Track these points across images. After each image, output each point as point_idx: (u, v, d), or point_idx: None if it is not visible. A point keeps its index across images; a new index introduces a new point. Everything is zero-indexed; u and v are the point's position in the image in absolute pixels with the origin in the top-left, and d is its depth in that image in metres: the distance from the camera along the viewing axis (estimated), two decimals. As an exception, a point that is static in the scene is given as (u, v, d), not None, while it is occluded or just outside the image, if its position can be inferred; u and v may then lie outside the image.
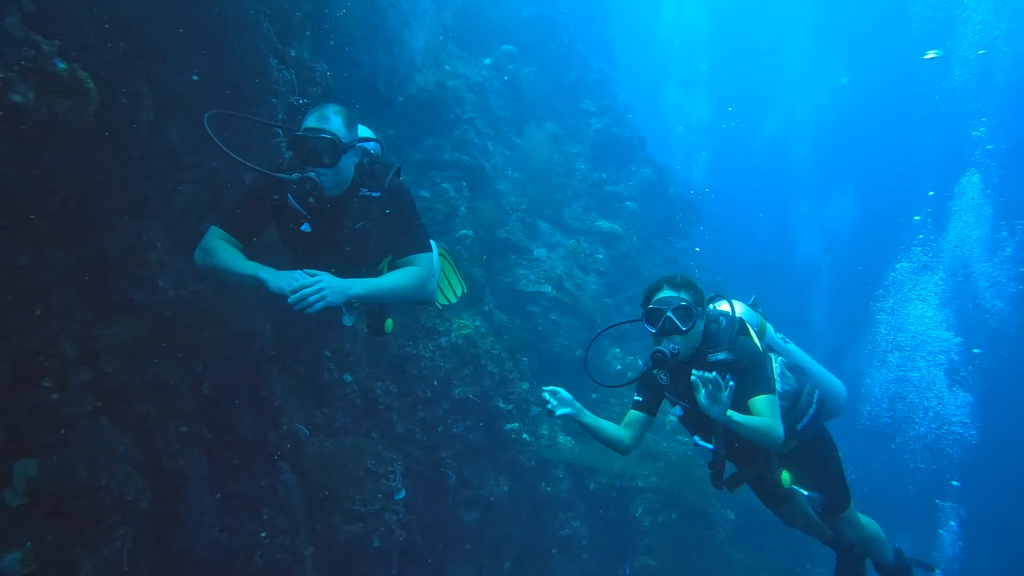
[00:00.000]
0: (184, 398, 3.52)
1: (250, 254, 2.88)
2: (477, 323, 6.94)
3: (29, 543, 2.55)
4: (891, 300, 12.86)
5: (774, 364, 3.02)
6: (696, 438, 3.05)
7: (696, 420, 2.98)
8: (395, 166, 3.07)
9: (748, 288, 3.44)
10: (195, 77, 3.51)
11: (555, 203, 10.38)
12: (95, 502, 2.81)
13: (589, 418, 3.00)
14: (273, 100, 4.06)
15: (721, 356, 2.85)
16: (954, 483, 12.90)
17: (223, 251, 2.80)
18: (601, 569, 7.35)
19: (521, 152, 10.74)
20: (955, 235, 14.04)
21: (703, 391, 2.54)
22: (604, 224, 10.70)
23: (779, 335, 3.35)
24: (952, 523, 12.54)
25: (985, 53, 16.81)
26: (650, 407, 3.18)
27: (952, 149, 17.47)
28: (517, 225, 9.11)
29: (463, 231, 7.56)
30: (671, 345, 2.78)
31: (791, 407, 3.07)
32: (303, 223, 2.92)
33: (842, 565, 3.65)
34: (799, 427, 3.10)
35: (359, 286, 2.77)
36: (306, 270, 2.70)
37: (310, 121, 2.76)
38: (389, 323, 3.47)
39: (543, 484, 7.04)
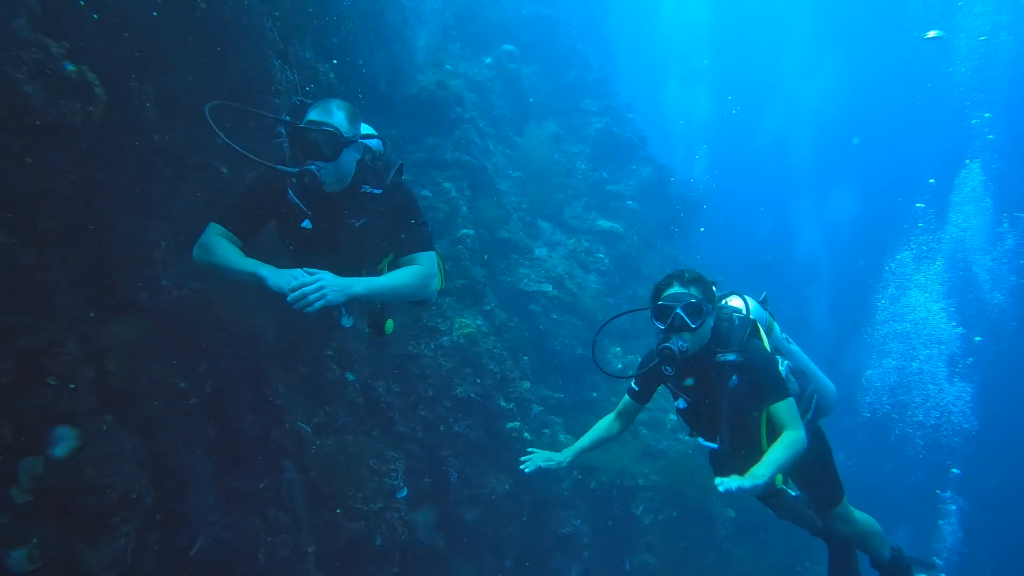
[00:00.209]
0: (188, 396, 3.54)
1: (249, 252, 2.83)
2: (478, 322, 6.96)
3: (35, 540, 2.57)
4: (891, 288, 12.88)
5: (780, 368, 3.04)
6: (700, 439, 3.07)
7: (698, 414, 3.00)
8: (398, 163, 3.03)
9: (748, 287, 3.45)
10: (196, 77, 3.53)
11: (556, 202, 10.40)
12: (100, 500, 2.84)
13: (575, 449, 3.29)
14: (276, 100, 4.08)
15: (731, 357, 2.84)
16: (954, 471, 12.91)
17: (222, 248, 2.74)
18: (602, 567, 7.37)
19: (522, 151, 10.76)
20: (955, 227, 14.06)
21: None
22: (605, 223, 10.72)
23: (784, 335, 3.37)
24: (952, 507, 12.55)
25: (986, 39, 16.73)
26: (646, 396, 3.27)
27: (953, 139, 17.44)
28: (518, 224, 9.12)
29: (464, 230, 7.57)
30: (680, 342, 2.76)
31: None
32: (304, 220, 2.87)
33: (833, 557, 3.67)
34: None
35: (360, 285, 2.71)
36: (306, 268, 2.64)
37: (312, 114, 2.72)
38: (389, 324, 3.41)
39: (544, 483, 7.06)
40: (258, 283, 2.66)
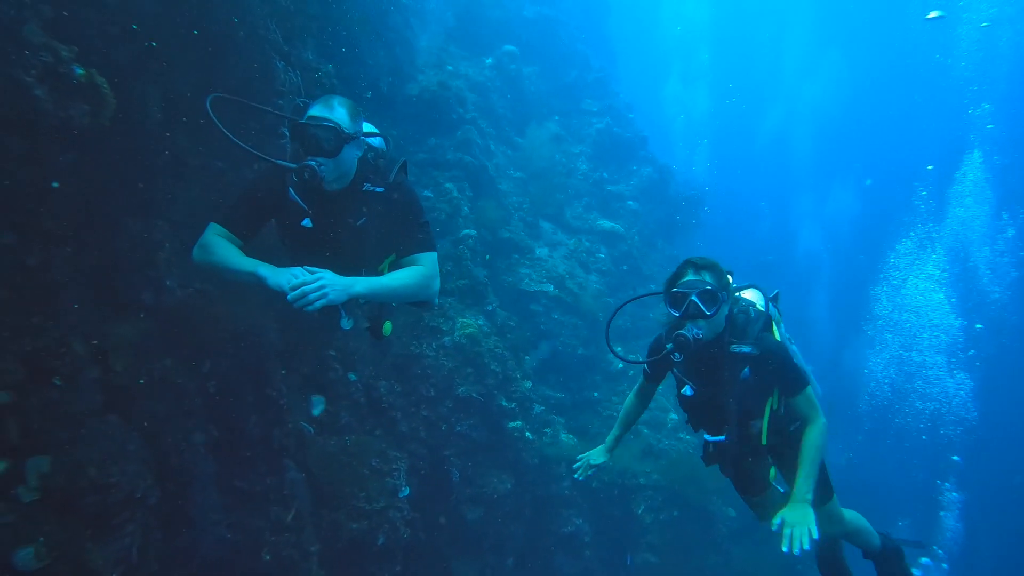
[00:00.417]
0: (191, 396, 3.56)
1: (250, 252, 2.81)
2: (480, 322, 6.98)
3: (41, 538, 2.59)
4: (893, 277, 12.90)
5: (797, 358, 3.06)
6: (705, 434, 3.09)
7: (704, 402, 3.02)
8: (400, 161, 3.00)
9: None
10: (199, 78, 3.55)
11: (557, 203, 10.42)
12: (105, 499, 2.85)
13: (613, 439, 3.51)
14: (279, 101, 4.09)
15: (746, 349, 2.86)
16: (954, 458, 12.92)
17: (221, 248, 2.72)
18: (603, 566, 7.39)
19: (523, 152, 10.77)
20: (955, 219, 14.09)
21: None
22: (606, 223, 10.74)
23: (787, 335, 3.38)
24: (953, 495, 12.56)
25: (988, 26, 16.72)
26: (658, 378, 3.37)
27: (953, 131, 17.44)
28: (519, 224, 9.14)
29: (466, 231, 7.59)
30: (695, 330, 2.75)
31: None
32: (304, 218, 2.84)
33: (822, 553, 3.69)
34: (791, 428, 3.13)
35: (361, 284, 2.68)
36: (307, 267, 2.61)
37: (314, 110, 2.70)
38: (388, 326, 3.35)
39: (546, 482, 7.08)
40: (258, 282, 2.63)
